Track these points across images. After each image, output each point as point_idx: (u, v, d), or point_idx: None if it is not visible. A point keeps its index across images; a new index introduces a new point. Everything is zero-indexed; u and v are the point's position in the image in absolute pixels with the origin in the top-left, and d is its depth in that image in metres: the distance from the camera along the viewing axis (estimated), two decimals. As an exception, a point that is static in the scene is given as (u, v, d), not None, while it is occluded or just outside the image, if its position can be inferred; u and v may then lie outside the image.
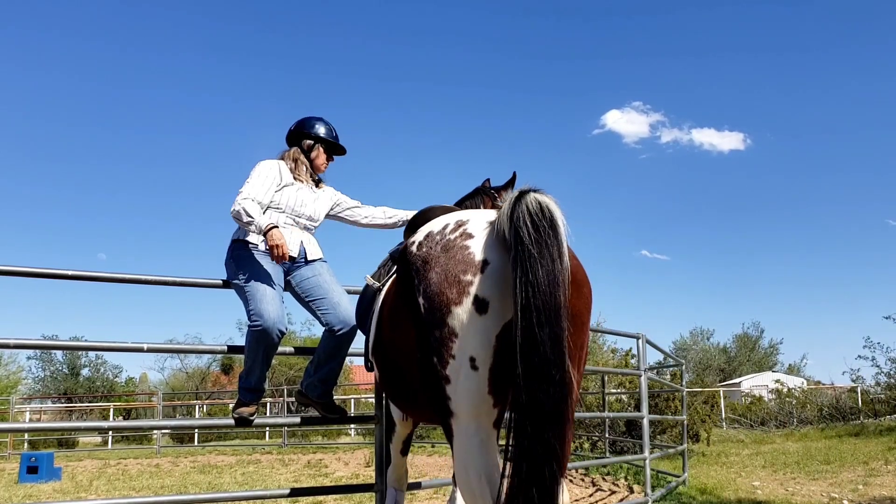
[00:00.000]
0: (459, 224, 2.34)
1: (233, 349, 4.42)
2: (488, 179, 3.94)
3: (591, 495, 7.73)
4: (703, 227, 50.24)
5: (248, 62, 47.39)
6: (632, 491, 7.90)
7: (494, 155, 47.94)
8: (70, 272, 3.41)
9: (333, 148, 4.09)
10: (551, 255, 2.05)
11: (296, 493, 4.23)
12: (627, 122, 47.95)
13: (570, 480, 8.89)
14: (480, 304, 2.15)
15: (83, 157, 45.41)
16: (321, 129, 4.04)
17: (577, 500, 7.40)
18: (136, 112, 45.81)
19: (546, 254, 2.06)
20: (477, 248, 2.24)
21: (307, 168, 3.97)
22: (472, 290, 2.17)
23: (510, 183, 3.87)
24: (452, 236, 2.31)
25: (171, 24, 45.23)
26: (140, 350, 3.53)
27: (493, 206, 3.69)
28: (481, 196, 3.82)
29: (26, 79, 42.69)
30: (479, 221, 2.30)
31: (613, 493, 7.88)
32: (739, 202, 49.45)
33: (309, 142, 4.01)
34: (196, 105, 46.53)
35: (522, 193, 2.15)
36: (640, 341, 6.83)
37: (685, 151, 47.01)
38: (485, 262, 2.19)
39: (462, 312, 2.17)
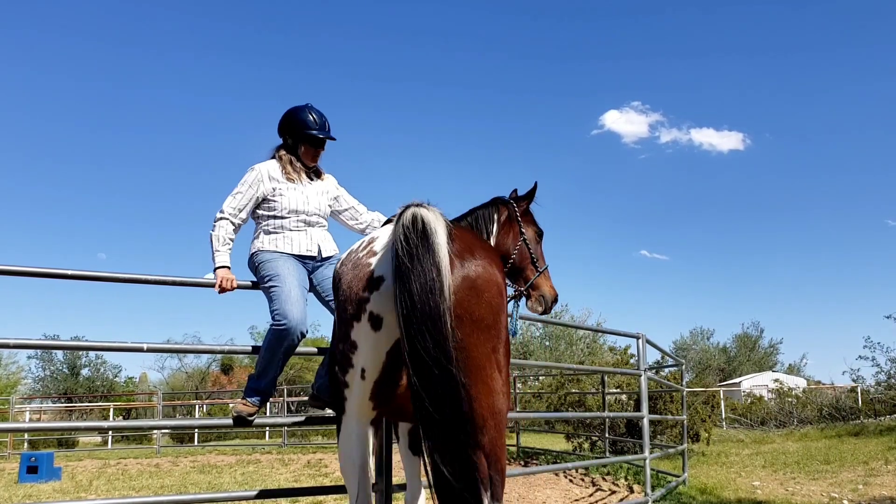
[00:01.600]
0: (370, 242, 2.52)
1: (232, 350, 4.42)
2: (515, 190, 3.88)
3: (591, 495, 7.73)
4: (702, 227, 50.29)
5: (247, 63, 47.41)
6: (632, 491, 7.90)
7: (494, 155, 47.99)
8: (70, 272, 3.41)
9: (319, 139, 3.89)
10: (423, 266, 2.17)
11: (296, 492, 4.23)
12: (626, 123, 47.95)
13: (571, 480, 8.89)
14: (375, 321, 2.35)
15: (83, 157, 45.44)
16: (304, 123, 3.83)
17: (577, 500, 7.40)
18: (136, 112, 45.83)
19: (418, 265, 2.17)
20: (376, 265, 2.39)
21: (298, 165, 3.84)
22: (368, 306, 2.36)
23: (530, 193, 3.82)
24: (361, 255, 2.49)
25: (171, 25, 45.24)
26: (140, 350, 3.52)
27: (510, 217, 3.70)
28: (496, 206, 3.74)
29: (26, 79, 42.71)
30: (385, 239, 2.43)
31: (613, 492, 7.88)
32: (739, 202, 49.50)
33: (290, 140, 3.87)
34: (196, 105, 46.54)
35: (404, 210, 2.29)
36: (640, 341, 6.83)
37: (684, 151, 47.06)
38: (380, 279, 2.36)
39: (360, 328, 2.38)
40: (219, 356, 29.84)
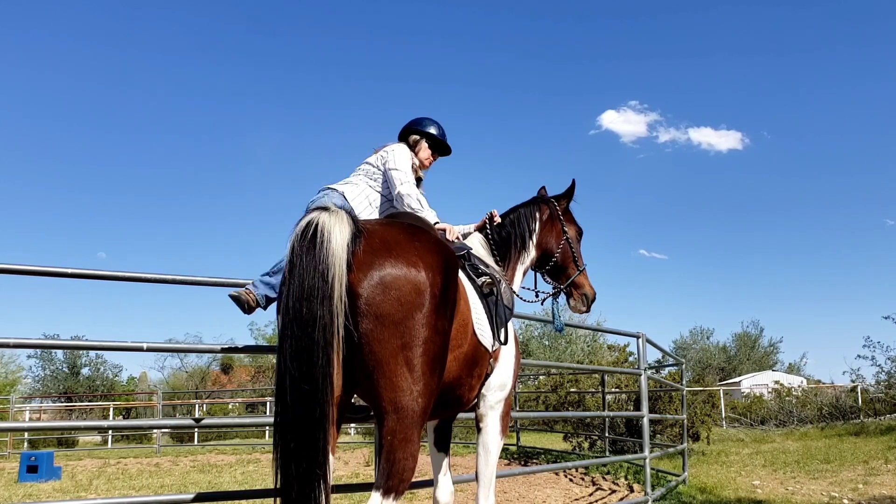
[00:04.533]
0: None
1: (232, 349, 4.41)
2: (544, 187, 3.96)
3: (591, 494, 7.73)
4: (701, 227, 50.31)
5: (247, 64, 47.40)
6: (632, 490, 7.90)
7: (493, 155, 47.99)
8: (70, 270, 3.40)
9: (440, 147, 4.09)
10: (303, 269, 2.23)
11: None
12: (624, 122, 47.96)
13: (571, 479, 8.89)
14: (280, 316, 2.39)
15: (83, 156, 45.44)
16: (430, 127, 4.05)
17: (577, 500, 7.40)
18: (136, 112, 45.83)
19: (298, 269, 2.24)
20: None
21: (414, 163, 3.93)
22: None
23: (569, 191, 3.89)
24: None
25: (171, 26, 45.23)
26: (140, 349, 3.52)
27: (551, 216, 3.78)
28: (538, 204, 3.80)
29: (26, 79, 42.70)
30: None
31: (613, 492, 7.88)
32: (738, 201, 49.50)
33: (415, 136, 4.01)
34: (196, 105, 46.55)
35: (302, 216, 2.35)
36: (640, 340, 6.83)
37: (683, 151, 47.08)
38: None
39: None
40: (219, 355, 29.84)
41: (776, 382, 21.91)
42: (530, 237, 3.67)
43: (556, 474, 9.16)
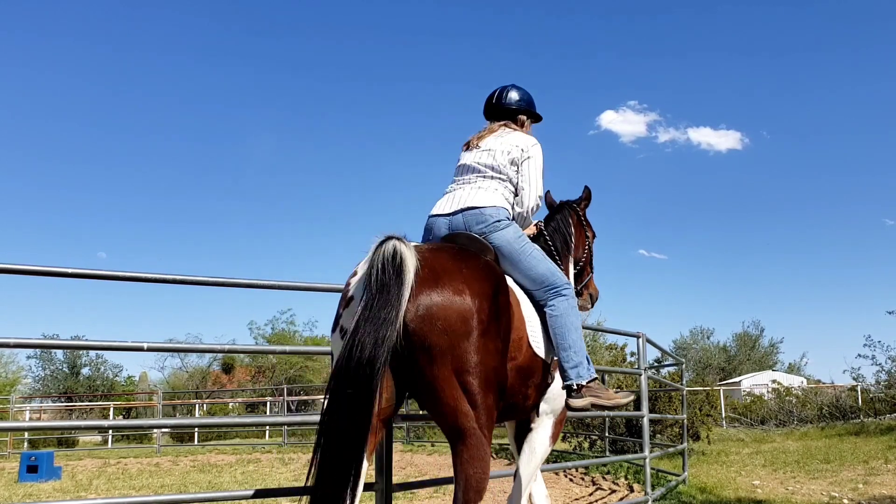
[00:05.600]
0: (361, 264, 2.64)
1: (233, 350, 4.41)
2: (548, 192, 3.97)
3: (591, 494, 7.73)
4: (701, 227, 50.32)
5: (247, 65, 47.40)
6: (632, 490, 7.90)
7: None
8: (70, 270, 3.40)
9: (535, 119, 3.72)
10: (388, 296, 2.34)
11: (297, 492, 4.22)
12: (623, 122, 47.92)
13: (571, 479, 8.89)
14: (342, 333, 2.54)
15: (83, 156, 45.45)
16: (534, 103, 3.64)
17: (577, 499, 7.40)
18: (137, 111, 45.84)
19: (384, 294, 2.35)
20: (352, 286, 2.63)
21: None
22: (340, 321, 2.60)
23: (587, 197, 3.95)
24: (351, 276, 2.71)
25: (171, 27, 45.24)
26: (140, 349, 3.52)
27: (579, 221, 3.84)
28: (568, 210, 3.83)
29: (26, 79, 42.71)
30: (365, 265, 2.55)
31: (613, 491, 7.89)
32: (737, 201, 49.50)
33: (524, 118, 3.58)
34: (196, 105, 46.55)
35: (385, 240, 2.46)
36: (641, 340, 6.83)
37: (682, 151, 47.07)
38: (351, 298, 2.58)
39: (334, 339, 2.62)
40: (220, 355, 29.83)
41: (776, 382, 21.91)
42: (570, 244, 3.73)
43: (556, 474, 9.16)
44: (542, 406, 3.19)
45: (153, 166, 46.08)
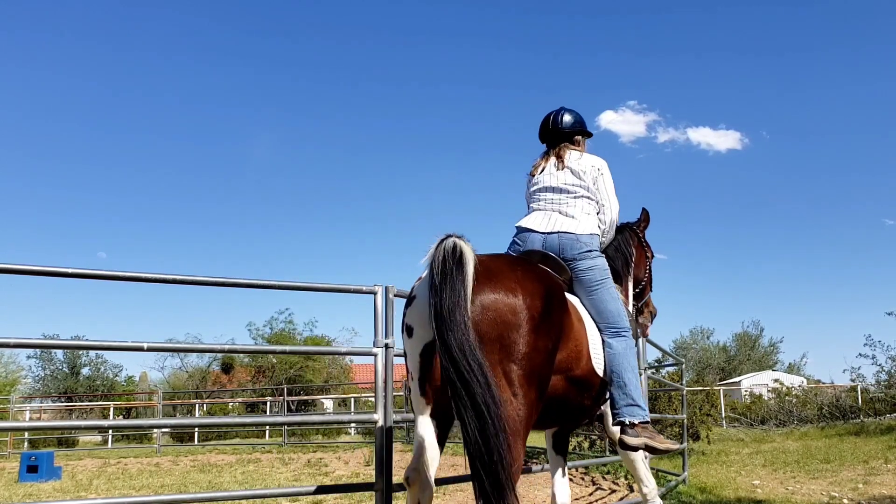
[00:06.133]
0: (425, 271, 2.82)
1: (233, 350, 4.41)
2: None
3: (591, 494, 7.73)
4: (700, 226, 50.30)
5: (247, 65, 47.40)
6: (632, 490, 7.90)
7: (491, 157, 47.99)
8: (71, 270, 3.40)
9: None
10: (453, 283, 2.58)
11: (296, 492, 4.23)
12: (623, 122, 47.85)
13: (571, 479, 8.89)
14: (408, 330, 2.86)
15: (83, 155, 45.45)
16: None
17: (577, 499, 7.40)
18: (137, 111, 45.84)
19: (447, 282, 2.59)
20: (415, 287, 2.91)
21: None
22: (405, 319, 2.90)
23: (647, 218, 4.24)
24: (416, 281, 2.97)
25: (171, 27, 45.23)
26: (140, 349, 3.52)
27: (639, 242, 4.13)
28: (628, 231, 4.09)
29: (27, 79, 42.70)
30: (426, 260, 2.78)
31: (613, 491, 7.89)
32: (737, 201, 49.48)
33: (580, 138, 3.88)
34: (196, 106, 46.54)
35: (445, 238, 2.70)
36: (640, 340, 6.83)
37: (682, 151, 47.07)
38: (413, 297, 2.88)
39: (404, 338, 2.92)
40: (219, 355, 29.82)
41: (777, 381, 21.91)
42: (630, 265, 4.01)
43: (556, 474, 9.15)
44: (610, 416, 3.48)
45: (153, 166, 46.11)
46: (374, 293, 3.98)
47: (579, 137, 3.87)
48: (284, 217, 48.28)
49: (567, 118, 3.84)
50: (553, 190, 3.63)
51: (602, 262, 3.48)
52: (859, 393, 18.74)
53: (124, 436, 20.51)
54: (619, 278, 3.86)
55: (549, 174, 3.68)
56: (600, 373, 3.22)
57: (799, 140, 47.63)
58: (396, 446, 15.24)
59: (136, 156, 46.24)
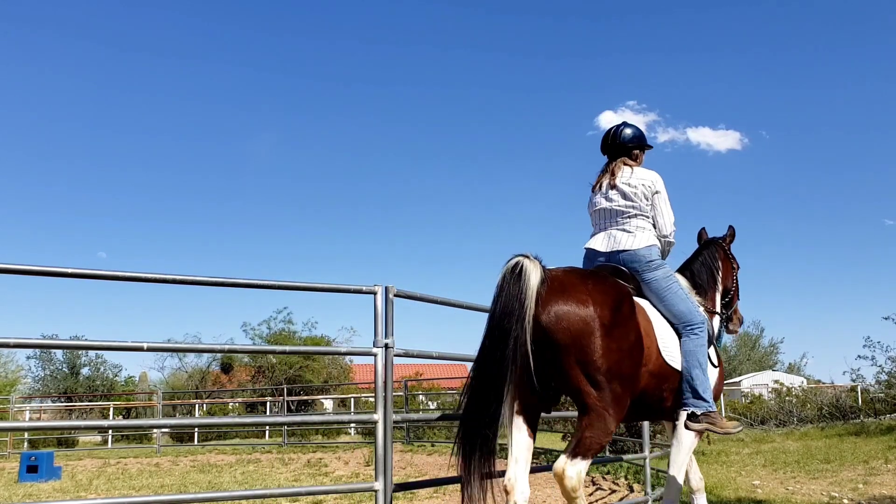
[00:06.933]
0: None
1: (233, 350, 4.41)
2: (704, 228, 4.77)
3: (591, 494, 7.73)
4: (699, 226, 50.04)
5: (247, 65, 47.39)
6: (632, 490, 7.90)
7: (490, 158, 47.95)
8: (70, 270, 3.40)
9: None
10: (510, 294, 3.03)
11: (296, 492, 4.22)
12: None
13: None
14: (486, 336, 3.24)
15: (84, 155, 45.45)
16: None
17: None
18: (137, 111, 45.83)
19: (503, 295, 3.06)
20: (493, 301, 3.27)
21: None
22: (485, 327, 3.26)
23: (732, 234, 4.72)
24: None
25: (171, 27, 45.22)
26: (140, 349, 3.52)
27: (725, 255, 4.61)
28: (714, 248, 4.56)
29: (27, 78, 42.70)
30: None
31: (613, 491, 7.89)
32: (737, 201, 49.43)
33: (638, 152, 4.18)
34: (196, 106, 46.54)
35: (511, 258, 3.15)
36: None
37: (682, 151, 47.02)
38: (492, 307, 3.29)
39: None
40: (219, 355, 29.79)
41: (777, 382, 21.90)
42: (717, 276, 4.47)
43: (556, 474, 9.15)
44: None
45: (153, 166, 46.11)
46: (374, 293, 3.98)
47: (637, 151, 4.15)
48: (284, 217, 48.31)
49: (627, 132, 4.12)
50: (608, 212, 3.99)
51: (664, 269, 3.87)
52: (859, 393, 18.72)
53: (124, 436, 20.49)
54: (703, 291, 4.35)
55: (604, 195, 4.03)
56: (675, 367, 3.64)
57: (799, 140, 47.66)
58: (396, 446, 15.24)
59: (136, 155, 46.27)
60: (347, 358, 29.36)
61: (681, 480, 4.16)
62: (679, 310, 3.74)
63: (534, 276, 3.05)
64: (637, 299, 3.58)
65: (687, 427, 3.72)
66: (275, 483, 9.36)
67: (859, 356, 18.64)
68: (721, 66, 47.75)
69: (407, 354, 4.13)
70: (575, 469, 3.09)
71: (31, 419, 23.94)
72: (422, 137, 49.76)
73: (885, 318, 15.68)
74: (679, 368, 3.66)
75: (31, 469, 11.00)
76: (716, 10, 47.46)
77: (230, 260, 43.95)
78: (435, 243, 49.53)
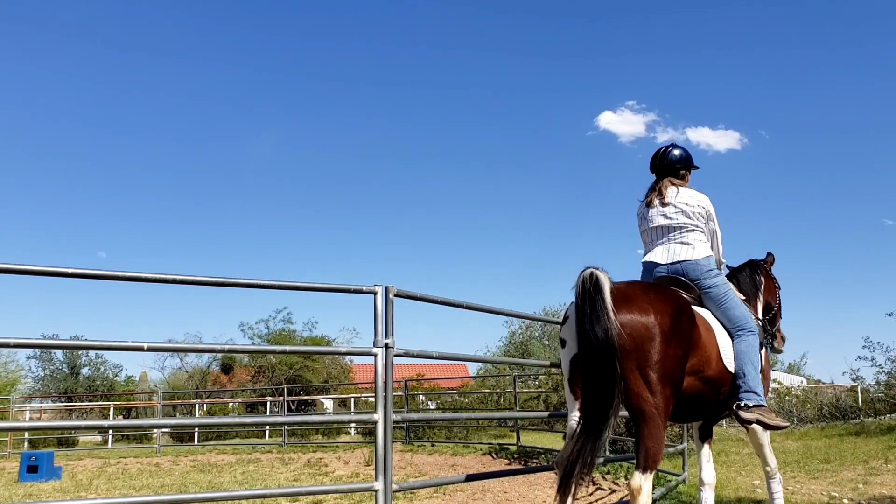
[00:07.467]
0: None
1: (233, 350, 4.41)
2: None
3: (591, 494, 7.73)
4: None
5: (247, 64, 47.39)
6: (632, 490, 7.89)
7: (489, 159, 47.95)
8: (70, 270, 3.40)
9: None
10: (594, 307, 3.29)
11: (296, 492, 4.22)
12: (622, 123, 47.87)
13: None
14: (562, 343, 3.67)
15: (84, 155, 45.45)
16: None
17: (577, 499, 7.40)
18: (136, 112, 45.83)
19: (587, 307, 3.31)
20: (569, 310, 3.62)
21: None
22: (561, 335, 3.69)
23: (772, 258, 5.08)
24: (569, 305, 3.67)
25: (171, 27, 45.22)
26: (140, 349, 3.52)
27: (768, 277, 4.97)
28: (757, 268, 4.92)
29: (28, 78, 42.71)
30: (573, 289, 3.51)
31: (614, 491, 7.89)
32: (736, 201, 49.39)
33: (685, 172, 4.51)
34: (196, 106, 46.54)
35: (584, 270, 3.41)
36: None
37: (683, 151, 46.89)
38: (566, 318, 3.65)
39: (560, 348, 3.72)
40: (219, 355, 29.80)
41: (776, 381, 21.89)
42: (759, 289, 4.86)
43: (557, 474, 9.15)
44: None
45: (153, 166, 46.11)
46: (374, 293, 3.98)
47: (684, 171, 4.45)
48: (284, 217, 48.30)
49: (675, 153, 4.45)
50: (666, 228, 4.29)
51: (722, 278, 4.20)
52: (859, 393, 18.71)
53: (124, 436, 20.49)
54: (748, 299, 4.65)
55: (658, 212, 4.32)
56: (733, 370, 3.92)
57: (798, 140, 47.64)
58: (396, 446, 15.23)
59: (136, 155, 46.26)
60: (347, 358, 29.38)
61: (774, 463, 4.70)
62: (735, 314, 4.04)
63: (606, 282, 3.34)
64: (696, 308, 3.87)
65: (739, 417, 3.96)
66: (275, 483, 9.36)
67: (859, 357, 18.63)
68: (721, 66, 47.77)
69: (407, 354, 4.14)
70: (648, 483, 3.34)
71: (31, 419, 23.94)
72: (422, 137, 49.78)
73: (889, 315, 15.64)
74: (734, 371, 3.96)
75: (32, 469, 11.00)
76: (716, 10, 47.48)
77: (230, 260, 43.98)
78: (435, 243, 49.57)
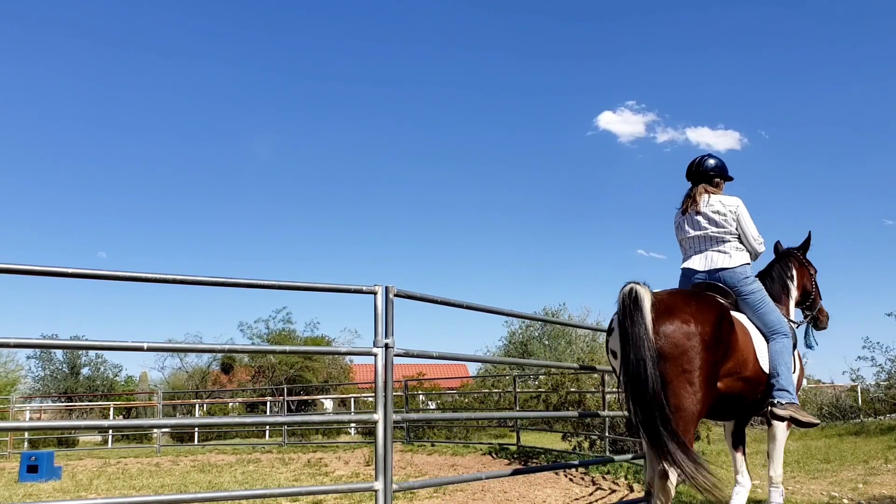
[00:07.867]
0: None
1: (233, 350, 4.41)
2: (779, 241, 5.28)
3: (591, 494, 7.73)
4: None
5: (247, 64, 47.39)
6: (632, 490, 7.90)
7: (489, 159, 47.95)
8: (70, 270, 3.40)
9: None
10: (634, 321, 3.58)
11: (296, 492, 4.22)
12: (622, 123, 47.78)
13: (571, 479, 8.89)
14: (613, 353, 3.95)
15: (83, 154, 45.44)
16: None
17: (577, 499, 7.41)
18: (136, 112, 45.83)
19: (629, 321, 3.60)
20: (614, 321, 3.90)
21: None
22: (608, 345, 4.04)
23: (808, 242, 5.20)
24: (614, 314, 3.92)
25: (171, 27, 45.23)
26: (140, 349, 3.52)
27: (800, 263, 5.15)
28: (788, 258, 5.11)
29: (28, 78, 42.71)
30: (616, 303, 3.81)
31: (613, 491, 7.88)
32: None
33: (720, 181, 4.70)
34: (196, 106, 46.55)
35: (625, 285, 3.71)
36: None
37: (681, 151, 46.84)
38: (612, 329, 3.95)
39: (610, 358, 4.05)
40: (219, 355, 29.79)
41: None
42: (791, 282, 5.08)
43: (556, 474, 9.16)
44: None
45: (153, 166, 46.09)
46: (375, 293, 3.98)
47: (719, 180, 4.66)
48: (284, 217, 48.29)
49: (710, 162, 4.65)
50: (703, 238, 4.54)
51: (757, 284, 4.46)
52: (859, 393, 18.71)
53: (124, 436, 20.50)
54: (777, 299, 4.83)
55: (693, 220, 4.57)
56: (768, 371, 4.22)
57: (798, 140, 47.59)
58: (396, 446, 15.23)
59: (136, 155, 46.25)
60: (348, 358, 29.38)
61: (780, 471, 4.88)
62: (770, 319, 4.33)
63: (646, 296, 3.61)
64: (734, 314, 4.15)
65: (772, 414, 4.25)
66: (275, 483, 9.36)
67: (859, 357, 18.63)
68: (721, 66, 47.74)
69: (407, 354, 4.14)
70: (674, 475, 3.66)
71: (31, 419, 23.95)
72: (422, 137, 49.77)
73: (889, 315, 15.64)
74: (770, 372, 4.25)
75: (32, 469, 11.00)
76: (715, 10, 47.45)
77: (230, 260, 43.95)
78: (435, 243, 49.54)
